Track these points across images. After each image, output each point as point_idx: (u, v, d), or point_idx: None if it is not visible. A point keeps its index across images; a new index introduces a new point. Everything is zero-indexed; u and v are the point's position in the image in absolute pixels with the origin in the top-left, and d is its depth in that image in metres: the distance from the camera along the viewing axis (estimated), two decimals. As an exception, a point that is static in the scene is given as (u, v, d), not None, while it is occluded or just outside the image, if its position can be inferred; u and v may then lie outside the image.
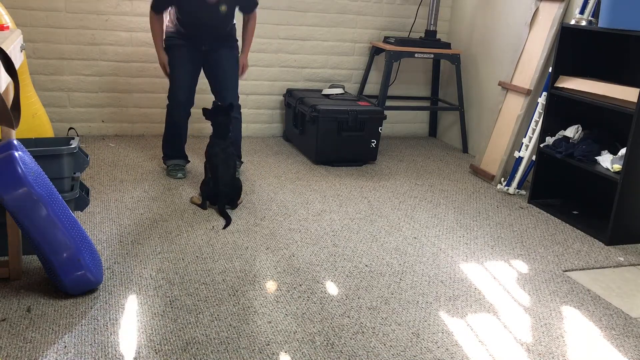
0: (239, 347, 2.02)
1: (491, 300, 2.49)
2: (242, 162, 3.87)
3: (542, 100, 3.72)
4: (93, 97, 4.31)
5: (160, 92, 4.44)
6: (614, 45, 3.45)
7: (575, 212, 3.54)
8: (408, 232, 3.13)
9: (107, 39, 4.23)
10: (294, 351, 2.02)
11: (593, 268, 2.88)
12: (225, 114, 3.30)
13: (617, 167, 3.13)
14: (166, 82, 4.45)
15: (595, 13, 3.45)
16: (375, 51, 4.75)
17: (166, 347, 2.00)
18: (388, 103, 4.63)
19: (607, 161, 3.23)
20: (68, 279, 2.20)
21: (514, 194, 3.84)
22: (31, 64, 4.05)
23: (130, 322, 2.12)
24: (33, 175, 2.16)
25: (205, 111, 3.32)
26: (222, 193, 3.14)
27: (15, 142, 2.21)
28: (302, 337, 2.10)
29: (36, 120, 3.01)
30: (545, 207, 3.61)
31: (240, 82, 4.64)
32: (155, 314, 2.18)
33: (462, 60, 4.71)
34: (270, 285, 2.44)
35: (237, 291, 2.38)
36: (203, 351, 1.99)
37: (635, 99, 2.99)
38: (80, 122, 4.33)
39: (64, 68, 4.19)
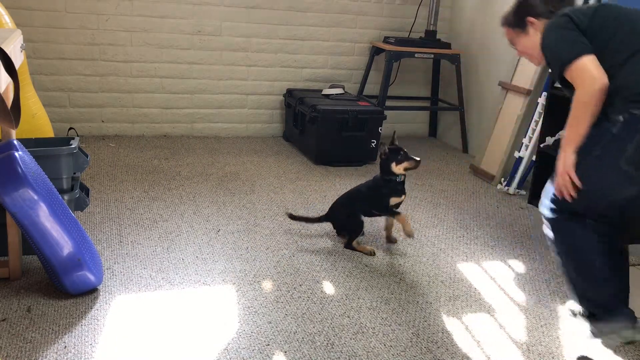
0: (239, 347, 2.02)
1: (491, 300, 2.49)
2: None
3: (542, 100, 3.72)
4: (93, 97, 4.31)
5: (160, 92, 4.45)
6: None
7: (575, 212, 3.52)
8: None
9: (107, 39, 4.23)
10: (294, 351, 2.02)
11: (593, 268, 2.87)
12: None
13: (617, 167, 3.12)
14: (166, 81, 4.47)
15: (595, 13, 3.44)
16: (375, 51, 4.75)
17: (167, 347, 2.00)
18: (388, 103, 4.62)
19: (607, 161, 3.22)
20: (68, 279, 2.20)
21: (514, 194, 3.84)
22: (31, 64, 4.05)
23: (130, 322, 2.12)
24: (33, 175, 2.16)
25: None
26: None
27: (15, 142, 2.22)
28: (302, 337, 2.10)
29: (36, 120, 3.01)
30: (545, 207, 3.59)
31: (241, 82, 4.67)
32: (155, 314, 2.18)
33: (462, 60, 4.71)
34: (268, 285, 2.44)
35: (237, 291, 2.38)
36: (203, 351, 1.99)
37: (635, 99, 2.94)
38: (80, 122, 4.33)
39: (64, 68, 4.19)
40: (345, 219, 2.90)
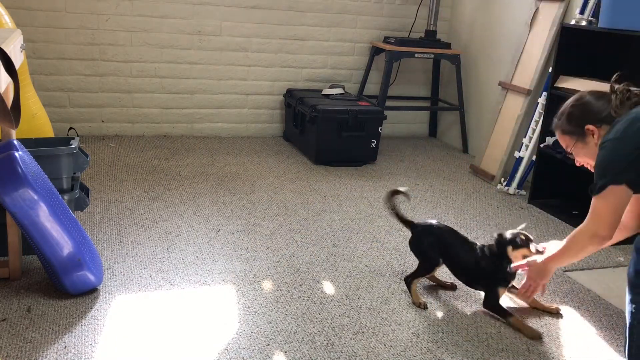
0: (239, 347, 2.02)
1: (491, 300, 2.49)
2: None
3: (542, 100, 3.72)
4: (93, 97, 4.31)
5: (160, 92, 4.45)
6: (614, 45, 3.45)
7: (575, 212, 3.54)
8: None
9: (107, 39, 4.23)
10: (294, 351, 2.02)
11: (593, 268, 2.88)
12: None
13: (617, 167, 3.13)
14: (166, 81, 4.47)
15: (595, 13, 3.45)
16: (375, 51, 4.75)
17: (167, 347, 2.00)
18: (388, 103, 4.62)
19: (607, 161, 3.22)
20: (68, 279, 2.20)
21: (514, 194, 3.84)
22: (31, 64, 4.05)
23: (130, 322, 2.12)
24: (33, 175, 2.16)
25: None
26: None
27: (15, 142, 2.22)
28: (302, 337, 2.10)
29: (36, 120, 3.01)
30: (545, 207, 3.61)
31: (241, 82, 4.67)
32: (155, 314, 2.18)
33: (462, 60, 4.71)
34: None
35: (237, 291, 2.38)
36: (203, 351, 1.99)
37: (635, 99, 2.93)
38: (80, 122, 4.33)
39: (64, 68, 4.19)
40: (419, 250, 2.50)
